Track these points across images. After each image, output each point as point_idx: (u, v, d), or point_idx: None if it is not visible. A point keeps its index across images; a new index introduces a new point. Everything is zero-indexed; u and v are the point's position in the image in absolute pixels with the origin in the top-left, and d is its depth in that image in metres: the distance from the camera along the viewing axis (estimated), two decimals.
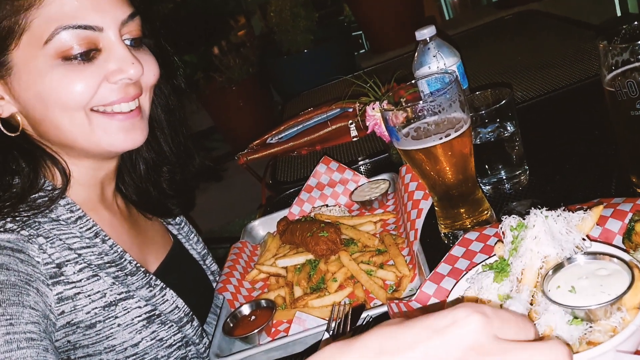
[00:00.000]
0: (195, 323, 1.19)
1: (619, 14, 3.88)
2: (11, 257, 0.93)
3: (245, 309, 1.14)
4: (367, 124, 1.57)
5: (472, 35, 2.74)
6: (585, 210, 0.87)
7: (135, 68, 1.01)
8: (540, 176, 1.27)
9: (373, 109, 1.55)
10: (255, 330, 1.06)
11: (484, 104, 1.29)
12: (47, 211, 1.02)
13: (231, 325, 1.11)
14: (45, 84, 0.97)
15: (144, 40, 1.08)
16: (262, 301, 1.15)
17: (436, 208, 1.17)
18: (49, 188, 1.05)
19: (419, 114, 1.07)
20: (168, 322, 1.13)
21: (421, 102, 1.06)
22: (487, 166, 1.29)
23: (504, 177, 1.28)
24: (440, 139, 1.06)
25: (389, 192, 1.43)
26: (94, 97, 1.00)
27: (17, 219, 0.97)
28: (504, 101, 1.23)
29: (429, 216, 1.16)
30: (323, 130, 1.89)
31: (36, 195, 1.01)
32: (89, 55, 0.98)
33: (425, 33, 1.41)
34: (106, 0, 0.99)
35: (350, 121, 1.87)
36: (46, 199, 1.02)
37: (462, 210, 1.14)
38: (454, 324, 0.50)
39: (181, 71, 1.23)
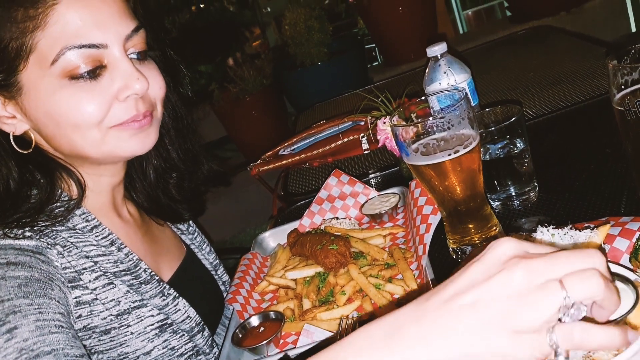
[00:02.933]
0: (206, 333, 1.20)
1: (633, 29, 3.87)
2: (32, 257, 0.96)
3: (254, 320, 1.16)
4: (378, 138, 1.58)
5: (485, 50, 2.76)
6: (593, 228, 0.88)
7: (141, 83, 1.02)
8: (550, 193, 1.27)
9: (384, 123, 1.56)
10: (264, 342, 1.07)
11: (493, 121, 1.30)
12: (63, 220, 1.04)
13: (240, 336, 1.13)
14: (54, 103, 0.99)
15: (149, 52, 1.10)
16: (271, 313, 1.16)
17: (445, 223, 1.18)
18: (65, 198, 1.07)
19: (429, 129, 1.08)
20: (180, 331, 1.15)
21: (431, 118, 1.07)
22: (496, 182, 1.29)
23: (513, 194, 1.29)
24: (449, 155, 1.07)
25: (399, 206, 1.44)
26: (107, 117, 1.02)
27: (35, 228, 1.00)
28: (513, 118, 1.24)
29: (438, 231, 1.17)
30: (335, 142, 1.91)
31: (53, 206, 1.04)
32: (95, 72, 1.00)
33: (436, 50, 1.43)
34: (109, 17, 1.00)
35: (361, 134, 1.88)
36: (63, 209, 1.05)
37: (470, 225, 1.15)
38: (489, 249, 0.58)
39: (188, 79, 1.25)
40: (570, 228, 0.85)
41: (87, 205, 1.11)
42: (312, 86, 4.31)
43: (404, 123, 1.11)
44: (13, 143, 1.03)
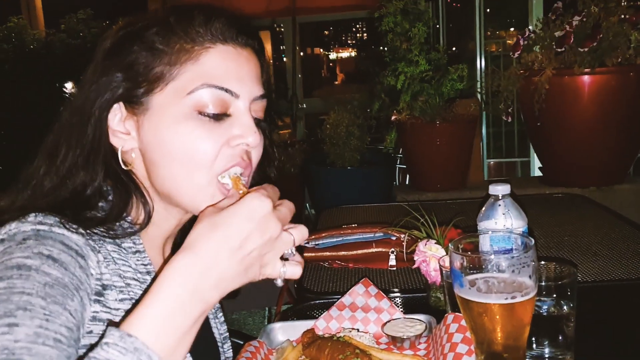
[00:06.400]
0: None
1: None
2: (73, 258, 0.94)
3: None
4: (415, 259, 1.54)
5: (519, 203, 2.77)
6: None
7: (255, 137, 1.06)
8: None
9: (425, 245, 1.53)
10: None
11: (544, 276, 1.27)
12: (116, 239, 1.04)
13: None
14: (175, 132, 1.03)
15: (262, 123, 1.14)
16: None
17: None
18: (129, 222, 1.08)
19: (490, 266, 1.05)
20: None
21: (498, 255, 1.04)
22: (533, 339, 1.23)
23: (547, 356, 1.22)
24: (506, 298, 1.03)
25: (423, 335, 1.36)
26: (217, 160, 1.04)
27: (87, 231, 1.00)
28: (566, 279, 1.21)
29: None
30: (364, 249, 1.86)
31: (114, 224, 1.05)
32: (219, 117, 1.04)
33: (499, 189, 1.42)
34: (248, 76, 1.08)
35: (391, 249, 1.84)
36: (120, 230, 1.05)
37: None
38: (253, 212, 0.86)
39: (276, 163, 1.27)
40: None
41: (141, 233, 1.10)
42: (337, 187, 4.34)
43: (468, 252, 1.08)
44: (120, 157, 1.07)
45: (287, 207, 0.91)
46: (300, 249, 0.98)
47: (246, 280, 0.86)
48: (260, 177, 1.24)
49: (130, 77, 1.03)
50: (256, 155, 1.11)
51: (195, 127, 1.02)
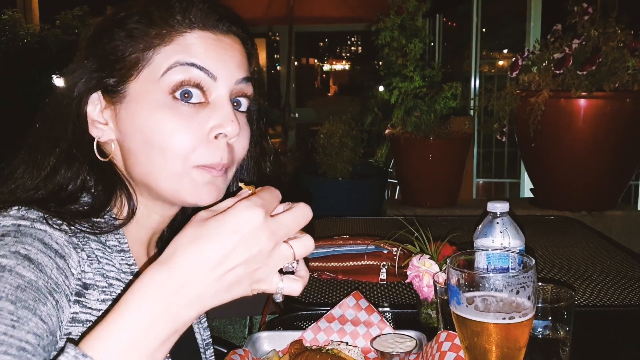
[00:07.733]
0: None
1: None
2: (51, 259, 0.89)
3: None
4: (408, 273, 1.50)
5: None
6: None
7: (233, 126, 0.99)
8: None
9: (419, 260, 1.49)
10: None
11: (541, 297, 1.24)
12: (99, 234, 1.00)
13: None
14: (152, 120, 0.98)
15: (249, 111, 1.09)
16: None
17: None
18: (113, 217, 1.04)
19: (487, 284, 1.02)
20: None
21: (498, 274, 1.01)
22: None
23: None
24: (504, 318, 0.99)
25: (412, 352, 1.32)
26: (194, 154, 0.98)
27: (71, 227, 0.95)
28: (563, 302, 1.18)
29: None
30: (355, 261, 1.82)
31: (98, 219, 1.00)
32: (196, 103, 0.98)
33: (498, 207, 1.40)
34: (230, 59, 1.01)
35: (383, 262, 1.80)
36: (104, 225, 1.00)
37: None
38: (244, 220, 0.77)
39: (272, 158, 1.20)
40: None
41: (125, 231, 1.06)
42: (327, 197, 4.31)
43: (466, 269, 1.05)
44: (95, 148, 1.02)
45: (294, 215, 0.80)
46: (306, 261, 0.89)
47: (231, 297, 0.78)
48: (255, 173, 1.19)
49: (105, 66, 0.99)
50: (240, 147, 1.05)
51: (171, 117, 0.96)
